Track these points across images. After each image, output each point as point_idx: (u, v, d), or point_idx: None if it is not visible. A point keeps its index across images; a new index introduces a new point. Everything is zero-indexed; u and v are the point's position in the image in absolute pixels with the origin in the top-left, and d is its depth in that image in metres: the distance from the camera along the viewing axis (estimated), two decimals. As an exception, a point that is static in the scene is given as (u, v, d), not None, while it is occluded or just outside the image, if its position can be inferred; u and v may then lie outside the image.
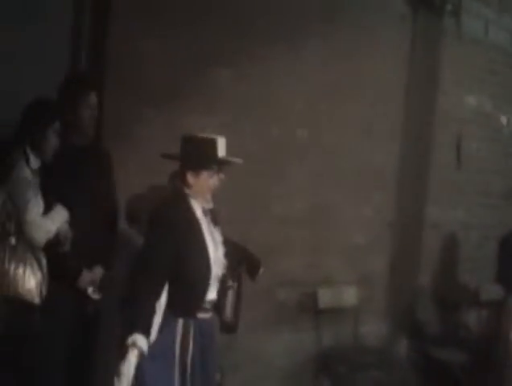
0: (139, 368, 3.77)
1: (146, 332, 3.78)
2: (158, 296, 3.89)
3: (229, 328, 4.35)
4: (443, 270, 7.50)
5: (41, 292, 4.11)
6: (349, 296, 6.59)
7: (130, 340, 3.72)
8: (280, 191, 5.99)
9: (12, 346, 4.01)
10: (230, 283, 4.30)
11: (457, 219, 7.56)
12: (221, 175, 4.10)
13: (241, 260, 4.32)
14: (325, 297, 6.36)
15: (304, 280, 6.25)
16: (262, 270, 4.42)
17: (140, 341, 3.73)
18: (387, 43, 6.84)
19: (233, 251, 4.27)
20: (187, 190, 4.09)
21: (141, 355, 3.75)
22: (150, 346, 3.80)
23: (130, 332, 3.73)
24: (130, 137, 4.99)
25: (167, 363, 3.95)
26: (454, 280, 7.58)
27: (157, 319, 3.90)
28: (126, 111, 4.97)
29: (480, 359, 6.57)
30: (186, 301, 4.01)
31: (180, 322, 3.97)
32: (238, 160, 4.13)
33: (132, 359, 3.73)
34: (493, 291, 6.77)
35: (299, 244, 6.17)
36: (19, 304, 4.04)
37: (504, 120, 8.31)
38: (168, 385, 3.96)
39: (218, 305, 4.21)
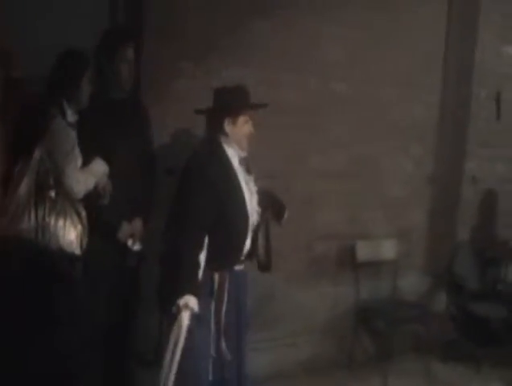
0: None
1: (196, 291, 3.81)
2: (201, 251, 3.91)
3: (263, 267, 4.40)
4: (482, 225, 7.43)
5: (81, 244, 4.15)
6: (388, 250, 6.55)
7: (181, 302, 3.75)
8: (318, 144, 5.95)
9: (53, 297, 4.07)
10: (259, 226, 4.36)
11: (496, 173, 7.46)
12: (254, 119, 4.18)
13: (267, 204, 4.35)
14: (364, 251, 6.33)
15: (343, 233, 6.25)
16: (287, 214, 4.42)
17: (191, 302, 3.77)
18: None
19: (260, 196, 4.31)
20: (223, 140, 4.13)
21: (193, 316, 3.80)
22: None
23: (181, 294, 3.76)
24: (167, 91, 4.98)
25: (204, 318, 3.97)
26: (493, 234, 7.51)
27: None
28: (164, 65, 4.96)
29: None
30: (225, 254, 4.05)
31: (216, 276, 4.03)
32: (265, 103, 4.24)
33: (185, 320, 3.77)
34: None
35: (338, 197, 6.14)
36: (60, 256, 4.09)
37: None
38: (205, 341, 4.03)
39: (250, 251, 4.27)
